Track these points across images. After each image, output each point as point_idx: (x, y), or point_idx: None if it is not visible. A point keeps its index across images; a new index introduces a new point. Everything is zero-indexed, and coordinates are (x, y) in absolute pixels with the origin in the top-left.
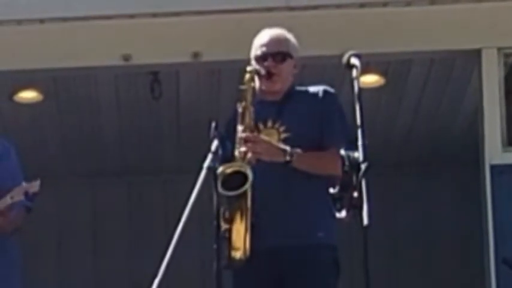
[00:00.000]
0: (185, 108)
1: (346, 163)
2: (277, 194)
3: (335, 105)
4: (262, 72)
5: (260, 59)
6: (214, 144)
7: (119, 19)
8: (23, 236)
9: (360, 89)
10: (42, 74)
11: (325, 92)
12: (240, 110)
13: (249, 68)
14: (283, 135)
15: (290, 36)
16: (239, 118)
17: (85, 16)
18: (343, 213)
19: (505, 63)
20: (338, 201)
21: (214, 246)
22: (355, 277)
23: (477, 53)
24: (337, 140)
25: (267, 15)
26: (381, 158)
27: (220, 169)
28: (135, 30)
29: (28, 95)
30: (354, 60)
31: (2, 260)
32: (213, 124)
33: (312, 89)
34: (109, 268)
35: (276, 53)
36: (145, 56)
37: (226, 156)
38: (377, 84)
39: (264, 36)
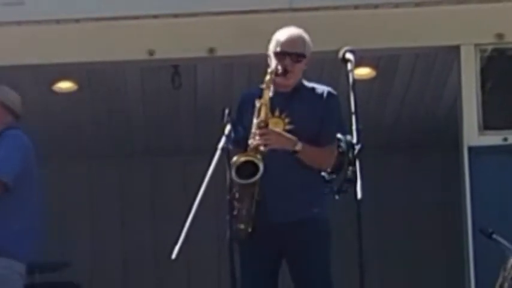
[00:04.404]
0: (202, 97)
1: (343, 145)
2: (279, 178)
3: (336, 108)
4: (280, 70)
5: (278, 55)
6: (227, 128)
7: (145, 19)
8: (60, 207)
9: (354, 80)
10: (77, 67)
11: (329, 93)
12: (257, 105)
13: (269, 70)
14: (287, 127)
15: (306, 37)
16: (256, 112)
17: (115, 16)
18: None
19: (481, 58)
20: (329, 183)
21: (227, 217)
22: (349, 243)
23: (456, 49)
24: (333, 140)
25: (273, 15)
26: (372, 140)
27: (235, 158)
28: (159, 29)
29: (65, 85)
30: (349, 55)
31: None
32: (226, 111)
33: (318, 88)
34: (134, 237)
35: (293, 53)
36: (167, 52)
37: (237, 138)
38: (369, 76)
39: (285, 34)
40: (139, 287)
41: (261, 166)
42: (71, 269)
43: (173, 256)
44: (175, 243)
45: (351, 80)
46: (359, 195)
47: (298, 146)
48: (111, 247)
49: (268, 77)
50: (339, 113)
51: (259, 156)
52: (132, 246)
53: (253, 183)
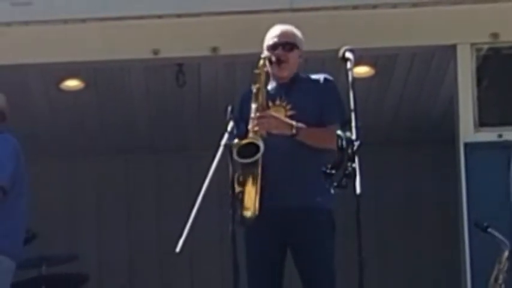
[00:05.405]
0: (205, 95)
1: (343, 142)
2: (283, 164)
3: (334, 90)
4: (273, 59)
5: (271, 48)
6: (230, 125)
7: (149, 19)
8: (67, 203)
9: (353, 78)
10: (84, 65)
11: (325, 79)
12: (254, 90)
13: (262, 55)
14: (289, 112)
15: (297, 31)
16: (253, 97)
17: (120, 16)
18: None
19: (477, 57)
20: (328, 178)
21: (230, 211)
22: (348, 239)
23: (453, 48)
24: (335, 119)
25: (274, 15)
26: (371, 137)
27: (236, 140)
28: (163, 29)
29: (72, 84)
30: (348, 54)
31: None
32: (229, 108)
33: (314, 76)
34: (140, 232)
35: (285, 43)
36: (171, 51)
37: (240, 135)
38: (368, 75)
39: (276, 29)
40: (144, 280)
41: (262, 145)
42: (78, 262)
43: (177, 249)
44: (180, 237)
45: (350, 78)
46: (358, 190)
47: (296, 129)
48: (118, 241)
49: (261, 62)
50: (338, 94)
51: (259, 138)
52: (137, 240)
53: (255, 164)
